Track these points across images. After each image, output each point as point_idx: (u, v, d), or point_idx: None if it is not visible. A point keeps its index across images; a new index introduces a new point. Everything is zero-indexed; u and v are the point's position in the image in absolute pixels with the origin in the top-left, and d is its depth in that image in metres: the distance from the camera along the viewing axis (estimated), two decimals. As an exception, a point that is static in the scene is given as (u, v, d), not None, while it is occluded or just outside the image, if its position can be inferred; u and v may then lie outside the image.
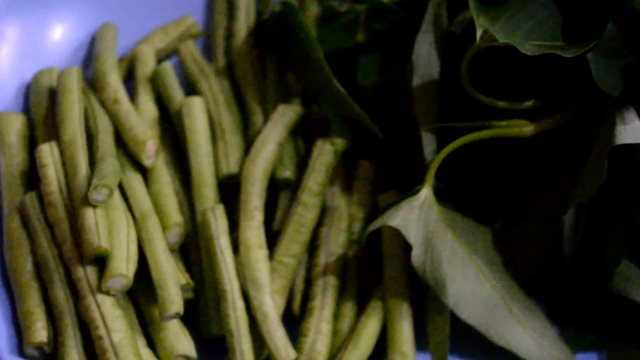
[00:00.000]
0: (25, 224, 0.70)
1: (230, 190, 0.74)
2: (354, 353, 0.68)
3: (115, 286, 0.66)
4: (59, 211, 0.68)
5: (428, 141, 0.70)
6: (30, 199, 0.70)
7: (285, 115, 0.75)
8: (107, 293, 0.66)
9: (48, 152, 0.70)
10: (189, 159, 0.73)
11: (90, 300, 0.65)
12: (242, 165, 0.73)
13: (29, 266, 0.68)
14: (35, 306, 0.67)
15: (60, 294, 0.67)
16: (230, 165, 0.73)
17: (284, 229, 0.72)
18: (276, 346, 0.67)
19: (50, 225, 0.69)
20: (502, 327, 0.68)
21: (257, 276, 0.68)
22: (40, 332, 0.66)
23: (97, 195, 0.67)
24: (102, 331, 0.65)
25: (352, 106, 0.72)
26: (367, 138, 0.74)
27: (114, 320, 0.65)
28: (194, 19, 0.83)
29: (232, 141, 0.74)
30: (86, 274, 0.66)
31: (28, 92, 0.77)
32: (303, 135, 0.76)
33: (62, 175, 0.70)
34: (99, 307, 0.65)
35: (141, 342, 0.67)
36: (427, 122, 0.70)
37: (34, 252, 0.69)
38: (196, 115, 0.74)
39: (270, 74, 0.78)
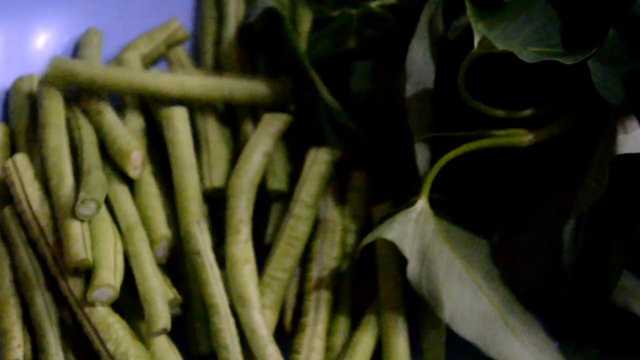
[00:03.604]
0: (5, 238, 0.68)
1: (218, 202, 0.72)
2: (349, 370, 0.67)
3: (102, 297, 0.65)
4: (34, 229, 0.67)
5: (421, 152, 0.69)
6: (10, 212, 0.69)
7: (271, 125, 0.73)
8: (92, 304, 0.64)
9: (12, 170, 0.69)
10: (172, 172, 0.72)
11: (80, 314, 0.64)
12: (228, 177, 0.72)
13: (7, 282, 0.67)
14: (12, 324, 0.66)
15: (42, 311, 0.66)
16: (213, 179, 0.72)
17: (276, 242, 0.70)
18: (267, 364, 0.66)
19: (31, 240, 0.67)
20: (500, 342, 0.67)
21: (244, 292, 0.67)
22: (15, 351, 0.65)
23: (84, 209, 0.66)
24: (97, 344, 0.64)
25: (343, 116, 0.71)
26: (361, 148, 0.73)
27: (107, 330, 0.64)
28: (180, 22, 0.82)
29: (217, 153, 0.73)
30: (69, 287, 0.65)
31: (8, 100, 0.76)
32: (295, 145, 0.75)
33: (35, 189, 0.68)
34: (88, 319, 0.64)
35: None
36: (421, 132, 0.69)
37: (14, 267, 0.67)
38: (178, 126, 0.73)
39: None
